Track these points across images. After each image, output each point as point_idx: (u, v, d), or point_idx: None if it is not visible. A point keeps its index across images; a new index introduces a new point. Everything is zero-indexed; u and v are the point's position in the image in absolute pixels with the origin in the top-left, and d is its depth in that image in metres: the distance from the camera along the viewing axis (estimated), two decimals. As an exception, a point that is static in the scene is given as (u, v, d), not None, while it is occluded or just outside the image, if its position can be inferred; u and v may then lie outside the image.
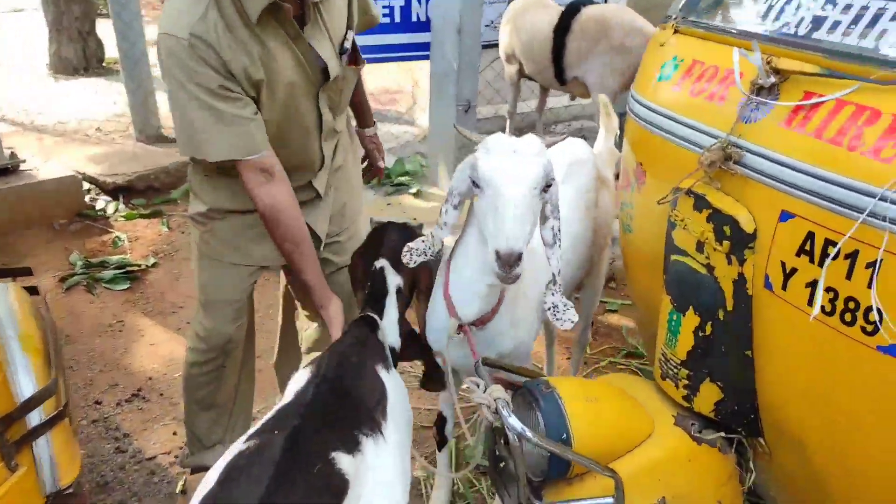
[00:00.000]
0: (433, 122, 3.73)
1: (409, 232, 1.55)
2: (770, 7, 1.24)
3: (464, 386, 1.52)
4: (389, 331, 1.44)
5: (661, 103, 1.39)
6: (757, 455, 1.30)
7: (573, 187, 1.67)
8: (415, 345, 1.52)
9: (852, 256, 0.95)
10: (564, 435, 1.18)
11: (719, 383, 1.24)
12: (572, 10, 3.49)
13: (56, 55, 5.54)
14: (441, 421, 1.75)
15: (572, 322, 1.24)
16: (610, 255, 3.16)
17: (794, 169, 1.04)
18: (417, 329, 1.55)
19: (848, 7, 1.07)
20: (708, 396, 1.26)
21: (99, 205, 3.80)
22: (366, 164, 2.02)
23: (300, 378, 1.20)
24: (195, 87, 1.35)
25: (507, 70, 4.02)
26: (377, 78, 4.22)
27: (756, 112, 1.14)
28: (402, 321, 1.48)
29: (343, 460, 1.00)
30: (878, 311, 0.91)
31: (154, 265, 3.31)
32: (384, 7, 3.65)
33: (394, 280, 1.49)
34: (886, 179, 0.90)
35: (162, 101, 4.37)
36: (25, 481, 1.26)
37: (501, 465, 1.29)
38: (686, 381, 1.28)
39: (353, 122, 1.92)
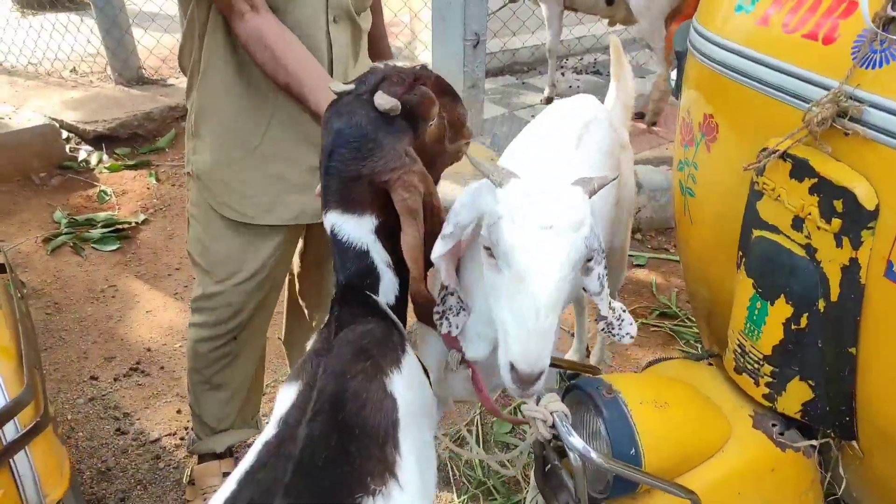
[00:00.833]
0: (436, 58, 3.41)
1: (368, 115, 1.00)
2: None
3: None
4: (388, 291, 1.04)
5: (742, 41, 1.13)
6: (846, 459, 1.12)
7: (595, 150, 1.41)
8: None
9: None
10: (633, 450, 1.00)
11: (811, 382, 1.06)
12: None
13: (23, -10, 5.12)
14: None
15: (632, 336, 1.02)
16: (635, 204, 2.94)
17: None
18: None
19: None
20: (795, 396, 1.07)
21: (80, 156, 3.54)
22: None
23: (287, 398, 0.90)
24: None
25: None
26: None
27: (881, 54, 0.90)
28: (401, 263, 1.02)
29: None
30: None
31: (144, 222, 3.09)
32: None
33: (366, 223, 1.01)
34: None
35: (141, 37, 4.02)
36: None
37: (550, 471, 1.12)
38: (769, 379, 1.09)
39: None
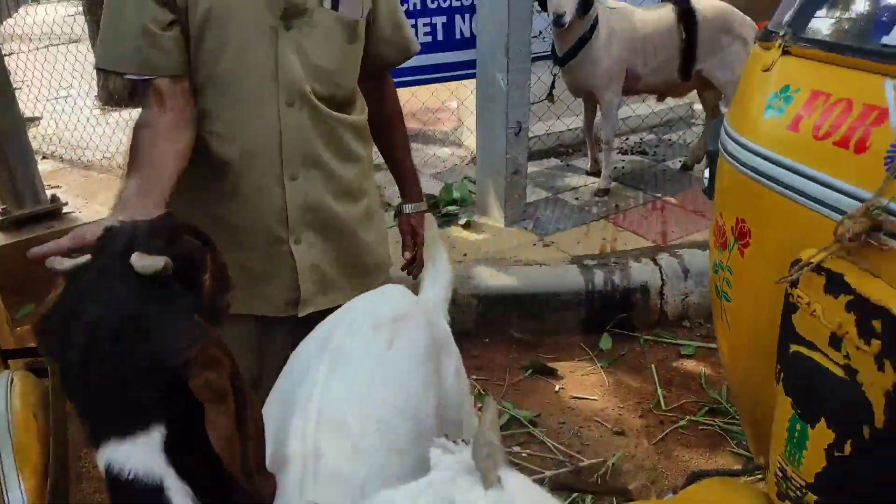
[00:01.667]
0: (481, 146, 3.48)
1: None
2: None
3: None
4: None
5: (772, 146, 1.11)
6: None
7: (405, 360, 1.07)
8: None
9: None
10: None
11: (864, 515, 0.95)
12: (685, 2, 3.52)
13: (104, 87, 5.56)
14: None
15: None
16: (681, 289, 2.84)
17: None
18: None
19: None
20: (847, 530, 0.97)
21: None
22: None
23: None
24: None
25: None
26: (419, 97, 4.01)
27: (915, 167, 0.86)
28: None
29: None
30: None
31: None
32: (426, 25, 3.43)
33: (154, 442, 0.73)
34: None
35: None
36: None
37: None
38: (816, 509, 0.99)
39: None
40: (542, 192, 3.83)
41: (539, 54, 4.16)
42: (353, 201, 1.43)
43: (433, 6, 3.42)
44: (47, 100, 5.50)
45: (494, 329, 2.88)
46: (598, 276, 2.93)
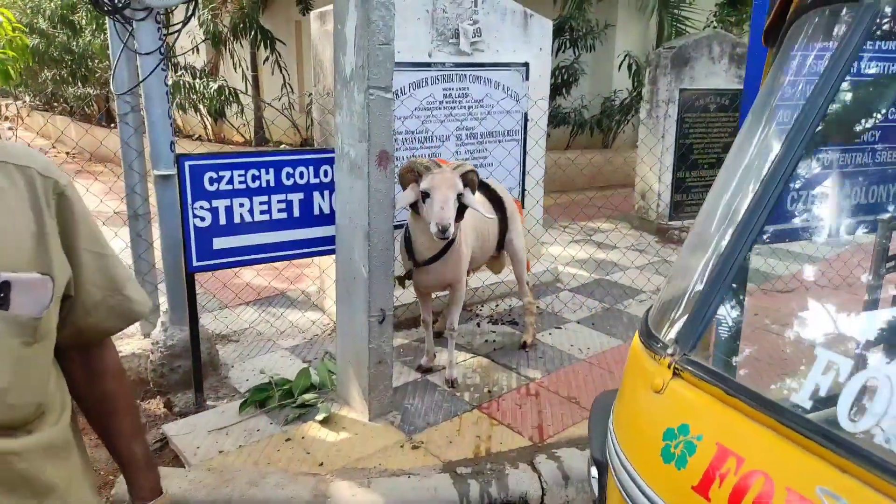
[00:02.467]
0: (342, 332, 3.17)
1: None
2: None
3: None
4: None
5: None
6: None
7: None
8: None
9: None
10: None
11: None
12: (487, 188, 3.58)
13: None
14: None
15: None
16: (562, 497, 2.55)
17: None
18: None
19: None
20: None
21: None
22: None
23: None
24: None
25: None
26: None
27: None
28: None
29: None
30: None
31: None
32: (280, 202, 3.17)
33: None
34: None
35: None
36: None
37: None
38: None
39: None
40: (410, 373, 3.53)
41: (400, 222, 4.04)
42: None
43: (289, 183, 3.18)
44: None
45: (355, 567, 2.42)
46: (474, 489, 2.61)
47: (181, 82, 7.68)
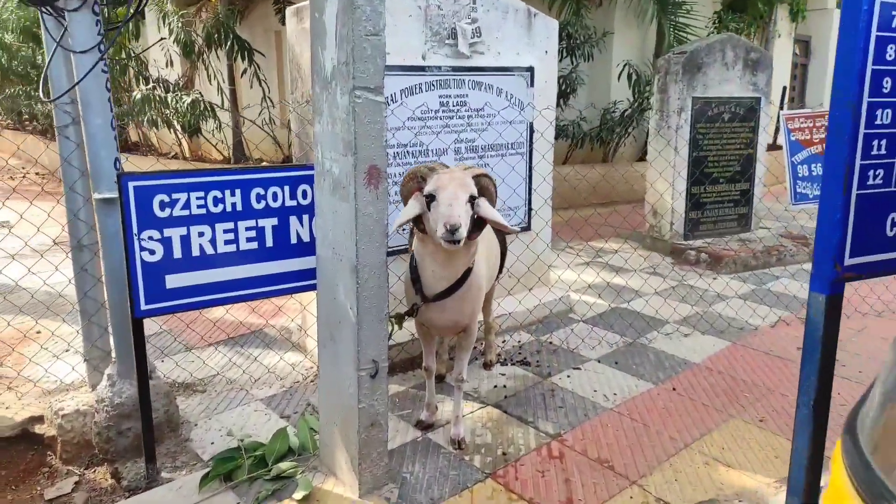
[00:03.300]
0: (325, 386, 2.61)
1: None
2: None
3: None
4: None
5: None
6: None
7: None
8: None
9: None
10: None
11: None
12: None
13: None
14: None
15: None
16: None
17: None
18: None
19: None
20: None
21: None
22: None
23: None
24: None
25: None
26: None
27: None
28: None
29: None
30: None
31: None
32: (249, 229, 2.62)
33: None
34: None
35: None
36: None
37: None
38: None
39: None
40: (408, 431, 2.96)
41: (395, 249, 3.50)
42: None
43: (259, 206, 2.63)
44: None
45: None
46: None
47: (151, 95, 7.12)
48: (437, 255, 2.52)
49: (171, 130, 8.21)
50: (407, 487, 2.56)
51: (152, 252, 2.44)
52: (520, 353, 3.80)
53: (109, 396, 2.79)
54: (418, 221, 2.51)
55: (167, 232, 2.46)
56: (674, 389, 3.39)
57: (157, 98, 7.18)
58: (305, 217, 2.74)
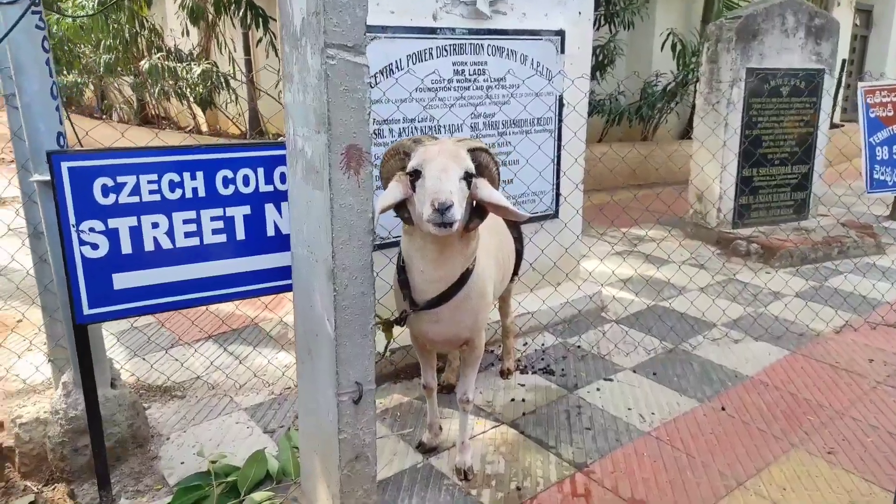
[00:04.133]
0: (304, 409, 2.19)
1: None
2: None
3: None
4: None
5: None
6: None
7: None
8: None
9: None
10: None
11: None
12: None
13: None
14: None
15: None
16: None
17: None
18: None
19: None
20: None
21: None
22: None
23: None
24: None
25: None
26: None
27: None
28: None
29: None
30: None
31: None
32: (215, 219, 2.19)
33: None
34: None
35: None
36: None
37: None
38: None
39: None
40: (408, 454, 2.53)
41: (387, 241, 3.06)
42: None
43: (227, 192, 2.20)
44: None
45: None
46: None
47: (161, 66, 6.75)
48: (427, 251, 2.04)
49: (184, 103, 7.86)
50: (398, 531, 2.14)
51: (95, 247, 2.03)
52: (542, 360, 3.32)
53: (64, 408, 2.42)
54: (402, 209, 2.03)
55: (113, 223, 2.05)
56: (723, 409, 2.89)
57: (168, 68, 6.81)
58: (285, 205, 2.30)
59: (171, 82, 7.06)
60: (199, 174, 2.15)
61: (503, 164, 3.45)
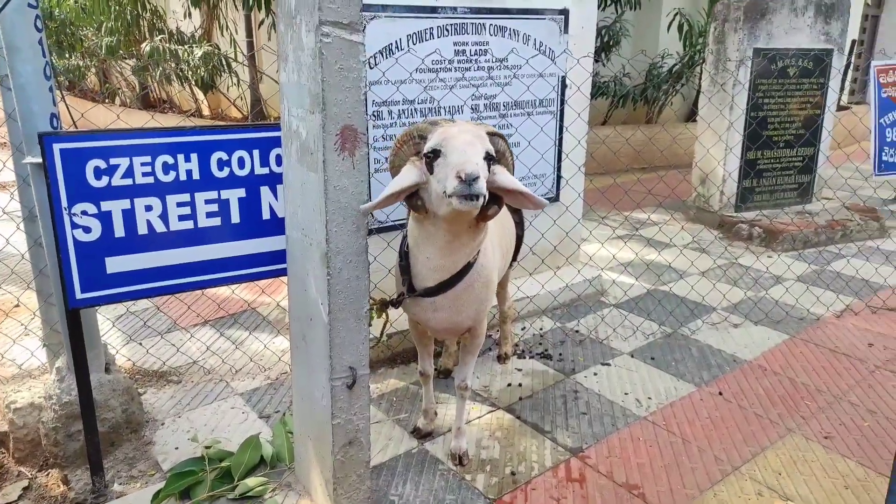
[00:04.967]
0: (299, 394, 2.18)
1: None
2: None
3: None
4: None
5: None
6: None
7: None
8: None
9: None
10: None
11: None
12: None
13: None
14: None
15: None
16: None
17: None
18: None
19: None
20: None
21: None
22: None
23: None
24: None
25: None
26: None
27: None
28: None
29: None
30: None
31: None
32: (210, 202, 2.17)
33: None
34: None
35: None
36: None
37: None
38: None
39: None
40: (403, 439, 2.54)
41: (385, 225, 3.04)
42: None
43: (223, 174, 2.18)
44: None
45: None
46: None
47: (162, 48, 6.68)
48: (437, 238, 2.00)
49: (186, 86, 7.79)
50: (393, 516, 2.14)
51: (87, 230, 2.02)
52: (540, 344, 3.31)
53: (57, 393, 2.42)
54: (412, 197, 1.98)
55: (106, 205, 2.03)
56: (720, 394, 2.88)
57: (169, 51, 6.74)
58: (280, 188, 2.27)
59: (172, 65, 6.99)
60: (194, 156, 2.12)
61: (503, 146, 3.42)
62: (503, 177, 1.92)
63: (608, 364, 3.13)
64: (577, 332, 3.46)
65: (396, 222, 3.11)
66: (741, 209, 5.25)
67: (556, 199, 3.68)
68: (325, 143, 1.75)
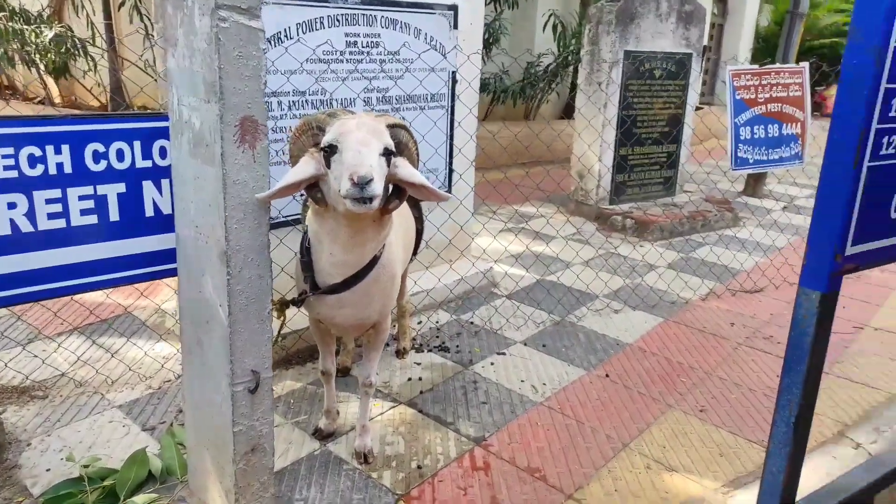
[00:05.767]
0: (192, 403, 2.04)
1: None
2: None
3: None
4: None
5: None
6: None
7: None
8: None
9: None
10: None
11: None
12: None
13: None
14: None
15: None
16: None
17: None
18: None
19: None
20: None
21: None
22: None
23: None
24: None
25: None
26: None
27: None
28: None
29: None
30: None
31: None
32: (84, 198, 1.97)
33: None
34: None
35: None
36: None
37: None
38: None
39: None
40: (304, 441, 2.46)
41: (277, 220, 2.94)
42: None
43: (99, 168, 1.98)
44: None
45: None
46: None
47: (4, 28, 5.96)
48: (339, 234, 1.95)
49: (33, 70, 7.02)
50: (300, 521, 2.07)
51: (-65, 230, 1.77)
52: (437, 337, 3.34)
53: None
54: (314, 188, 1.92)
55: (-43, 202, 1.78)
56: (607, 376, 3.05)
57: (12, 31, 6.03)
58: (165, 183, 2.11)
59: (16, 47, 6.26)
60: (65, 148, 1.92)
61: (396, 140, 3.39)
62: (405, 170, 1.90)
63: (503, 353, 3.22)
64: (472, 323, 3.53)
65: (289, 218, 3.00)
66: (616, 202, 5.60)
67: (448, 192, 3.71)
68: (224, 135, 1.64)
